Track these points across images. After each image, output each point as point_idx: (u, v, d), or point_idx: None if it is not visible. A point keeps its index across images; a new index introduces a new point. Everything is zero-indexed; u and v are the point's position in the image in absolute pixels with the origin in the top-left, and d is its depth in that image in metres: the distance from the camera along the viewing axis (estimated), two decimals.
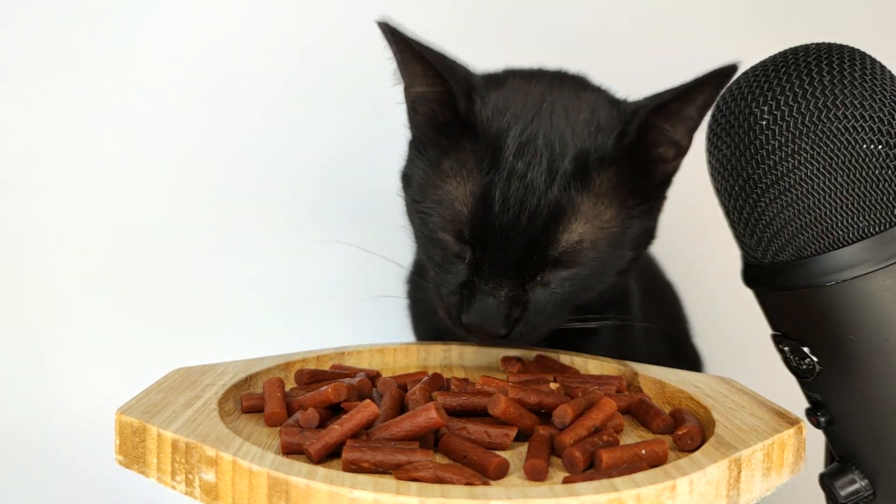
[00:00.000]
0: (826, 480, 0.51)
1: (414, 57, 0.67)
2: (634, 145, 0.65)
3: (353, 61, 0.78)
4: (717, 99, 0.52)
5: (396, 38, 0.66)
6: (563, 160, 0.64)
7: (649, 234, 0.71)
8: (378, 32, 0.67)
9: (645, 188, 0.68)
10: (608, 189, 0.65)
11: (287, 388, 0.59)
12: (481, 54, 0.73)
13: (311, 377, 0.61)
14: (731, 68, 0.59)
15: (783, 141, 0.47)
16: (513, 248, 0.63)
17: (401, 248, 0.78)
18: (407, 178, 0.71)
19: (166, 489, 0.48)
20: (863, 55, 0.48)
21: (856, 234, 0.47)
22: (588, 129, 0.65)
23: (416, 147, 0.71)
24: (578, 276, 0.65)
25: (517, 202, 0.63)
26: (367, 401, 0.50)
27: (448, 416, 0.51)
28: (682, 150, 0.68)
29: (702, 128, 0.52)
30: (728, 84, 0.56)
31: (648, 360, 0.69)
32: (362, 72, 0.75)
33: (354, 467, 0.46)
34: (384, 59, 0.74)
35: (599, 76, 0.73)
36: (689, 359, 0.91)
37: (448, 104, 0.67)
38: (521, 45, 0.98)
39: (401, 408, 0.54)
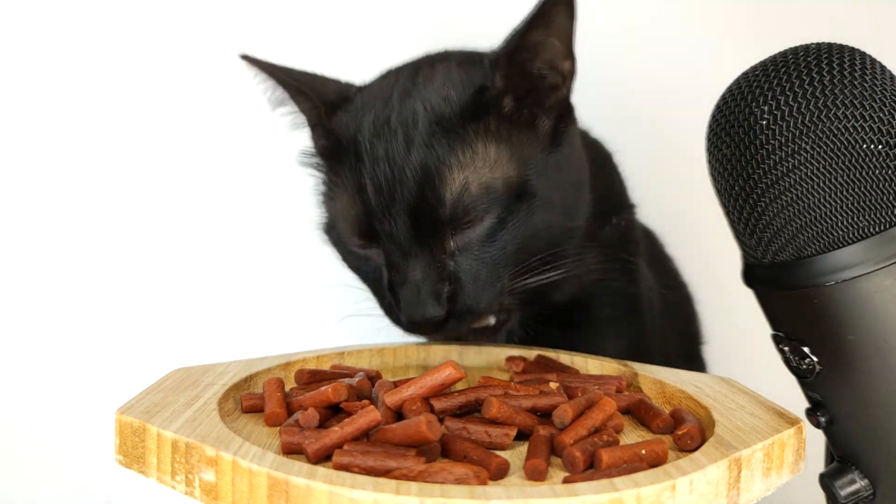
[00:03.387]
0: (826, 480, 0.51)
1: (282, 81, 0.69)
2: (508, 93, 0.64)
3: (353, 64, 0.78)
4: (718, 99, 0.51)
5: (265, 68, 0.68)
6: (416, 126, 0.62)
7: (574, 160, 0.68)
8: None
9: (540, 115, 0.65)
10: (486, 132, 0.63)
11: (287, 388, 0.59)
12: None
13: (311, 377, 0.61)
14: None
15: (783, 141, 0.47)
16: (402, 224, 0.62)
17: None
18: (328, 226, 0.71)
19: (166, 489, 0.48)
20: (863, 55, 0.48)
21: (856, 234, 0.47)
22: (443, 93, 0.64)
23: (321, 190, 0.72)
24: (498, 227, 0.62)
25: (387, 181, 0.62)
26: (371, 406, 0.50)
27: (448, 416, 0.52)
28: (568, 73, 0.66)
29: (701, 128, 0.52)
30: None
31: (660, 357, 0.68)
32: (363, 73, 0.75)
33: (345, 472, 0.46)
34: (382, 62, 0.74)
35: (597, 75, 0.73)
36: (698, 363, 0.90)
37: (322, 121, 0.68)
38: None
39: (397, 414, 0.54)
